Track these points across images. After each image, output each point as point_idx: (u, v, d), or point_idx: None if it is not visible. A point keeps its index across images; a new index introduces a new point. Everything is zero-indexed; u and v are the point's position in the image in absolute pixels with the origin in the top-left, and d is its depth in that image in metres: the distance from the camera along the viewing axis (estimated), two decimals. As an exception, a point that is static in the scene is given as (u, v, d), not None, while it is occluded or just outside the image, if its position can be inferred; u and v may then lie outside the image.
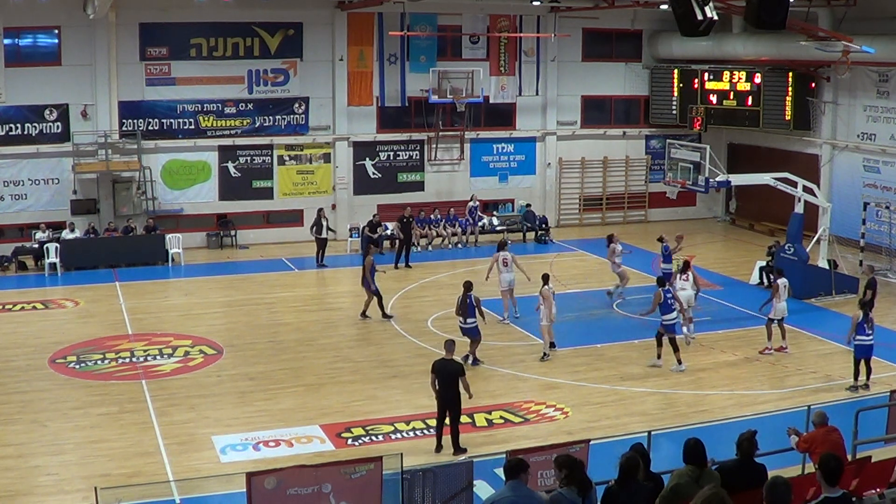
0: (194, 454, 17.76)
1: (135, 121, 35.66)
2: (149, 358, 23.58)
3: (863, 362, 21.00)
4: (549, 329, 23.67)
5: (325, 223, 34.22)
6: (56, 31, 34.73)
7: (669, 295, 22.77)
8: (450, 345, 18.05)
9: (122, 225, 34.76)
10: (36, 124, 34.85)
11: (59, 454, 17.86)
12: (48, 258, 32.59)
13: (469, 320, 22.66)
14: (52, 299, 29.40)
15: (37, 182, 35.06)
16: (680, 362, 22.57)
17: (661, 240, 28.63)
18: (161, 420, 19.45)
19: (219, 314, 28.19)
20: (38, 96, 34.66)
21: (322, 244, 34.03)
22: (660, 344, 22.82)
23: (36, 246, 33.52)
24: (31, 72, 34.38)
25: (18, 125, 34.65)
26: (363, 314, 27.02)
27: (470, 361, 22.47)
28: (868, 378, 21.07)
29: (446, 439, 17.89)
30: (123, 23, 34.92)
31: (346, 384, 21.80)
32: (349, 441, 18.39)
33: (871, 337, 20.97)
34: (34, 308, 28.50)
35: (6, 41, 34.26)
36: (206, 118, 36.54)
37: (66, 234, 33.79)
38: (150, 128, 35.88)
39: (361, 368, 22.88)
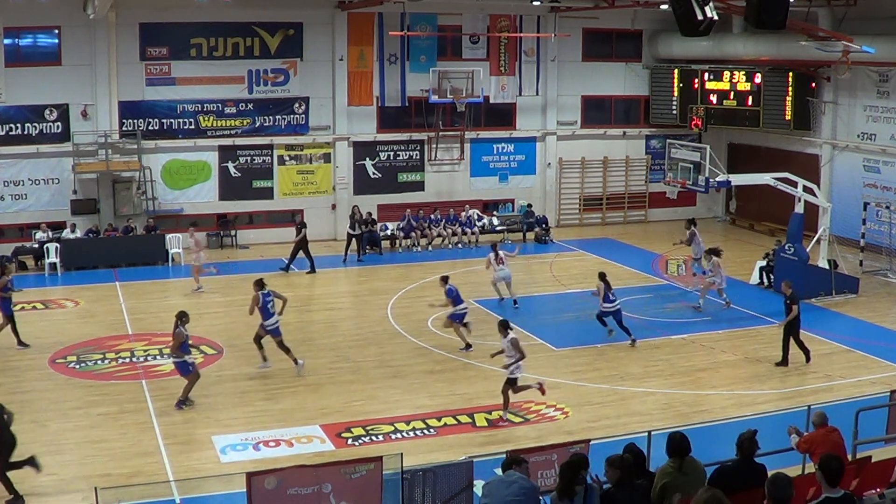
0: (194, 454, 17.78)
1: (135, 121, 35.66)
2: (149, 358, 23.61)
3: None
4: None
5: (354, 220, 34.42)
6: (56, 31, 34.75)
7: (269, 299, 22.51)
8: None
9: (123, 225, 34.78)
10: (36, 124, 34.87)
11: (58, 454, 17.84)
12: (48, 258, 32.59)
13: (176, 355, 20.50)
14: (52, 299, 29.40)
15: (37, 182, 35.08)
16: (265, 359, 22.60)
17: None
18: (161, 420, 19.46)
19: (219, 314, 28.15)
20: (38, 96, 34.68)
21: (352, 240, 34.36)
22: (260, 346, 22.60)
23: (36, 246, 33.54)
24: (31, 72, 34.42)
25: (18, 125, 34.67)
26: None
27: (175, 403, 20.27)
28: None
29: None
30: (123, 23, 34.93)
31: (345, 384, 21.80)
32: (349, 441, 18.38)
33: (614, 303, 24.44)
34: (34, 308, 28.47)
35: (6, 41, 34.29)
36: (207, 118, 36.55)
37: (67, 234, 33.81)
38: (150, 128, 35.88)
39: (361, 368, 22.88)
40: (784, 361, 22.87)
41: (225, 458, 17.54)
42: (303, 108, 37.64)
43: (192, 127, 36.46)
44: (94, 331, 26.04)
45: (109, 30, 34.74)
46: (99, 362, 23.28)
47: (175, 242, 34.21)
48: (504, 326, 19.82)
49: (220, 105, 36.66)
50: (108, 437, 18.64)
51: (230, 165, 37.14)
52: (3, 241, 34.54)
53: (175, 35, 35.68)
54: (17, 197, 34.98)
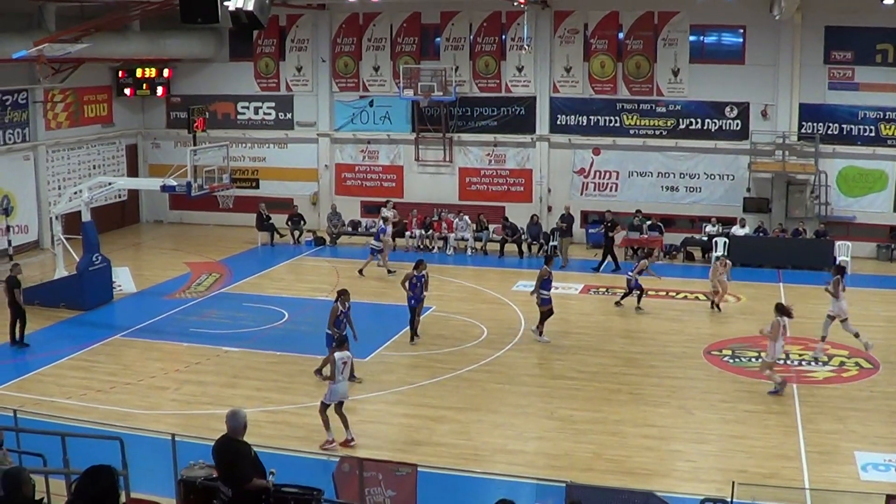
0: (833, 466, 17.51)
1: (814, 124, 35.51)
2: (803, 363, 23.60)
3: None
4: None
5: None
6: (741, 31, 35.95)
7: None
8: None
9: (792, 227, 34.93)
10: (715, 120, 36.38)
11: (700, 443, 18.60)
12: (715, 251, 33.60)
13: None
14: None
15: (712, 177, 36.60)
16: None
17: None
18: (806, 426, 19.39)
19: (879, 328, 27.14)
20: (720, 93, 36.19)
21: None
22: None
23: (705, 238, 34.90)
24: (715, 69, 36.11)
25: (698, 120, 36.42)
26: None
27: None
28: None
29: None
30: (808, 25, 34.91)
31: None
32: None
33: None
34: (696, 298, 29.60)
35: (692, 38, 36.33)
36: (888, 126, 35.28)
37: (736, 230, 34.71)
38: (828, 132, 35.48)
39: None
40: None
41: (865, 475, 17.06)
42: None
43: (872, 134, 35.44)
44: (752, 328, 26.38)
45: (794, 31, 34.94)
46: (753, 360, 23.70)
47: (844, 250, 33.57)
48: None
49: (902, 115, 35.28)
50: (751, 434, 19.01)
51: (907, 178, 35.63)
52: (673, 230, 36.44)
53: (860, 39, 34.78)
54: (691, 189, 36.77)
